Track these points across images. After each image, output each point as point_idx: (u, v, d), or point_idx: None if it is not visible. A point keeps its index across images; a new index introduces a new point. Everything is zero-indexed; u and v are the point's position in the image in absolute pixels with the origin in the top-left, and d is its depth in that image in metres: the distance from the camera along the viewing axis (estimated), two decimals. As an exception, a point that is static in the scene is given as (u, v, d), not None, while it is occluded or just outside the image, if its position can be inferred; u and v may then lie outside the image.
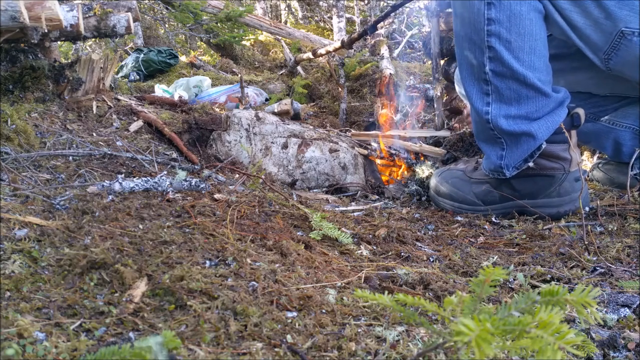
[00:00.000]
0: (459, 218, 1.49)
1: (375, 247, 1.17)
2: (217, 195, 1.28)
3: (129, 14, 2.00)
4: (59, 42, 2.65)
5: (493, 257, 1.14)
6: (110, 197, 1.15)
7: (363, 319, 0.77)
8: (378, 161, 2.05)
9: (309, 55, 3.75)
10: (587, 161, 1.96)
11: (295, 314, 0.76)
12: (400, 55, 4.93)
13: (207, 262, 0.90)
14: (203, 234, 1.01)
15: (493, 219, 1.46)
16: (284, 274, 0.89)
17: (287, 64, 4.28)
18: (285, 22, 8.40)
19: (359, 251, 1.13)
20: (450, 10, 2.72)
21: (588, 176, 1.80)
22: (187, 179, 1.32)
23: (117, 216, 1.03)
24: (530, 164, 1.40)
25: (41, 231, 0.91)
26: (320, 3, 8.63)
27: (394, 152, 2.04)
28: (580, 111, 1.41)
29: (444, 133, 2.10)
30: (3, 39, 1.54)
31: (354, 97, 3.41)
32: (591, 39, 1.29)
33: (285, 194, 1.45)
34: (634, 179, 1.57)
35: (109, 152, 1.51)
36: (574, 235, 1.26)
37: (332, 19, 6.53)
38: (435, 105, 2.37)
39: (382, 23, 4.42)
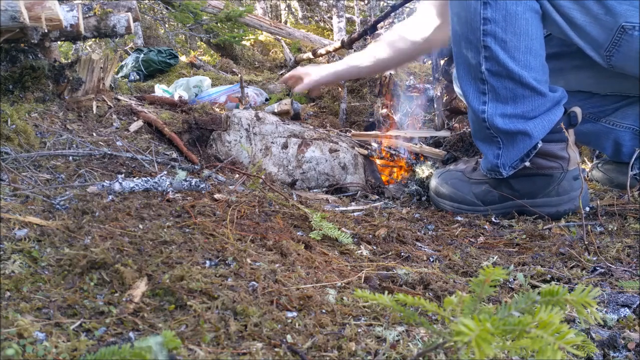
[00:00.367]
0: (459, 218, 1.49)
1: (375, 247, 1.17)
2: (217, 195, 1.28)
3: (129, 14, 2.00)
4: (59, 42, 2.65)
5: (493, 257, 1.14)
6: (110, 197, 1.15)
7: (363, 319, 0.77)
8: (378, 161, 2.06)
9: (309, 55, 3.75)
10: (587, 160, 1.96)
11: (295, 314, 0.76)
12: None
13: (207, 262, 0.90)
14: (203, 234, 1.01)
15: (493, 219, 1.46)
16: (284, 274, 0.89)
17: (287, 64, 4.28)
18: (285, 22, 8.40)
19: (359, 251, 1.13)
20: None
21: (587, 176, 1.80)
22: (187, 179, 1.32)
23: (117, 216, 1.03)
24: (527, 164, 1.40)
25: (41, 231, 0.91)
26: (320, 3, 8.63)
27: (394, 152, 2.04)
28: (577, 110, 1.41)
29: (444, 133, 2.10)
30: (3, 39, 1.54)
31: (354, 97, 3.41)
32: (592, 36, 1.29)
33: (285, 194, 1.45)
34: (633, 179, 1.57)
35: (109, 152, 1.51)
36: (574, 235, 1.26)
37: (332, 19, 6.53)
38: (435, 105, 2.37)
39: (382, 23, 4.41)
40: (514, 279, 0.99)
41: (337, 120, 3.05)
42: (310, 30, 6.84)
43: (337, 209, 1.49)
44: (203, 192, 1.30)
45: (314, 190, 1.82)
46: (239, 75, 3.92)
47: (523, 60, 1.31)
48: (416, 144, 2.05)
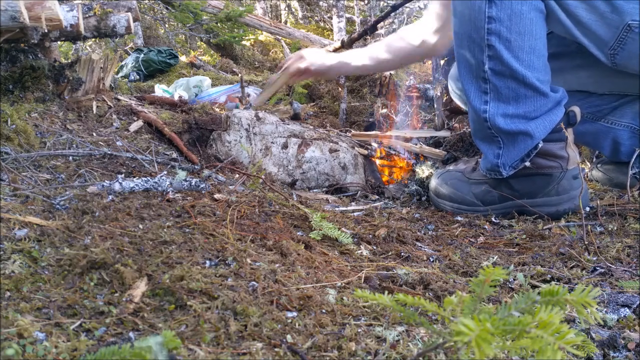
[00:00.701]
0: (459, 218, 1.49)
1: (375, 247, 1.17)
2: (217, 195, 1.28)
3: (129, 14, 2.00)
4: (59, 42, 2.65)
5: (493, 257, 1.14)
6: (110, 197, 1.15)
7: (363, 319, 0.77)
8: (378, 161, 2.06)
9: (309, 55, 3.74)
10: (587, 160, 1.95)
11: (295, 314, 0.76)
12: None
13: (207, 262, 0.90)
14: (203, 234, 1.01)
15: (493, 219, 1.46)
16: (284, 274, 0.89)
17: (287, 64, 4.27)
18: (285, 22, 8.40)
19: (359, 251, 1.13)
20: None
21: (587, 176, 1.80)
22: (187, 179, 1.32)
23: (117, 216, 1.03)
24: (527, 164, 1.40)
25: (41, 231, 0.91)
26: (320, 3, 8.63)
27: (394, 152, 2.04)
28: (576, 109, 1.41)
29: (444, 133, 2.10)
30: (3, 39, 1.54)
31: (354, 97, 3.41)
32: (597, 34, 1.29)
33: (285, 194, 1.45)
34: (633, 178, 1.56)
35: (109, 152, 1.51)
36: (574, 235, 1.26)
37: (332, 19, 6.53)
38: (435, 105, 2.37)
39: (382, 23, 4.41)
40: (514, 279, 0.99)
41: (337, 120, 3.05)
42: (310, 30, 6.84)
43: (337, 209, 1.49)
44: (203, 192, 1.30)
45: (314, 190, 1.82)
46: (239, 75, 3.92)
47: (527, 60, 1.31)
48: (416, 144, 2.05)
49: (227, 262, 0.91)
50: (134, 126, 1.77)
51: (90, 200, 1.10)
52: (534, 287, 0.97)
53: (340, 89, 3.35)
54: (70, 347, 0.62)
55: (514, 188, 1.46)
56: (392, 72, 3.37)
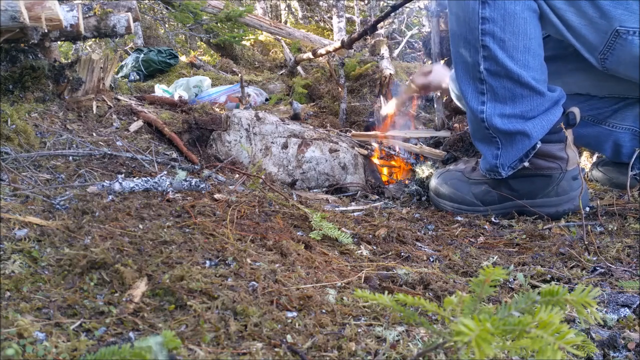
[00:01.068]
0: (459, 218, 1.49)
1: (375, 247, 1.17)
2: (217, 195, 1.28)
3: (129, 14, 2.00)
4: (59, 42, 2.65)
5: (493, 257, 1.14)
6: (110, 197, 1.15)
7: (363, 319, 0.77)
8: (378, 161, 2.05)
9: (309, 55, 3.74)
10: (586, 161, 1.95)
11: (295, 314, 0.76)
12: (400, 55, 4.93)
13: (207, 262, 0.90)
14: (203, 234, 1.01)
15: (493, 219, 1.46)
16: (284, 274, 0.89)
17: (287, 64, 4.28)
18: (285, 22, 8.40)
19: (359, 251, 1.13)
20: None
21: (587, 176, 1.80)
22: (187, 179, 1.32)
23: (117, 216, 1.03)
24: (526, 164, 1.40)
25: (41, 231, 0.91)
26: (320, 3, 8.63)
27: (394, 152, 2.04)
28: (576, 110, 1.41)
29: (444, 133, 2.10)
30: (3, 39, 1.54)
31: (354, 97, 3.41)
32: (587, 39, 1.29)
33: (285, 194, 1.45)
34: (633, 179, 1.56)
35: (109, 152, 1.51)
36: (574, 235, 1.26)
37: (332, 19, 6.53)
38: (435, 106, 2.37)
39: (382, 23, 4.41)
40: (514, 279, 0.99)
41: (337, 120, 3.05)
42: (310, 30, 6.84)
43: (337, 209, 1.49)
44: (203, 192, 1.30)
45: (314, 190, 1.82)
46: (239, 75, 3.92)
47: (522, 59, 1.31)
48: (416, 144, 2.05)
49: (227, 262, 0.91)
50: (134, 126, 1.77)
51: (90, 200, 1.10)
52: (534, 287, 0.97)
53: (340, 89, 3.35)
54: (70, 347, 0.62)
55: (514, 188, 1.46)
56: (392, 72, 3.37)
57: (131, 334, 0.67)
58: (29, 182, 1.19)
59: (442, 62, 2.65)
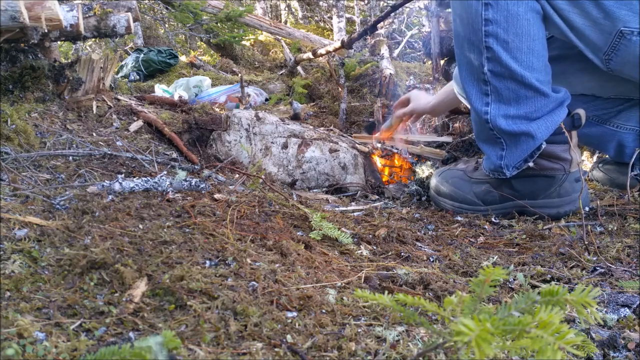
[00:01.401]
0: (459, 218, 1.49)
1: (375, 247, 1.17)
2: (217, 195, 1.28)
3: (129, 14, 2.00)
4: (59, 42, 2.65)
5: (493, 257, 1.14)
6: (110, 197, 1.15)
7: (363, 319, 0.77)
8: (378, 162, 2.06)
9: (309, 55, 3.75)
10: (587, 161, 1.96)
11: (295, 314, 0.76)
12: (400, 55, 4.93)
13: (207, 262, 0.90)
14: (203, 234, 1.01)
15: (493, 219, 1.46)
16: (284, 274, 0.89)
17: (287, 64, 4.28)
18: (285, 22, 8.40)
19: (359, 251, 1.13)
20: (450, 10, 2.72)
21: (588, 176, 1.80)
22: (187, 179, 1.32)
23: (117, 216, 1.03)
24: (531, 164, 1.41)
25: (41, 231, 0.91)
26: (320, 3, 8.63)
27: (396, 151, 2.04)
28: (581, 112, 1.42)
29: (446, 139, 2.10)
30: (3, 39, 1.54)
31: (354, 97, 3.41)
32: (591, 40, 1.29)
33: (285, 194, 1.45)
34: (634, 179, 1.56)
35: (109, 152, 1.51)
36: (574, 235, 1.26)
37: (332, 19, 6.53)
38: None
39: (382, 23, 4.41)
40: (514, 279, 0.99)
41: (337, 120, 3.05)
42: (310, 30, 6.84)
43: (337, 209, 1.49)
44: (203, 192, 1.30)
45: (314, 190, 1.82)
46: (239, 75, 3.92)
47: (525, 60, 1.31)
48: (416, 145, 2.05)
49: (227, 262, 0.91)
50: (134, 126, 1.77)
51: (90, 200, 1.10)
52: (534, 287, 0.97)
53: (340, 89, 3.35)
54: (70, 347, 0.62)
55: (516, 188, 1.46)
56: (392, 72, 3.37)
57: (131, 334, 0.67)
58: (29, 182, 1.19)
59: (442, 62, 2.65)
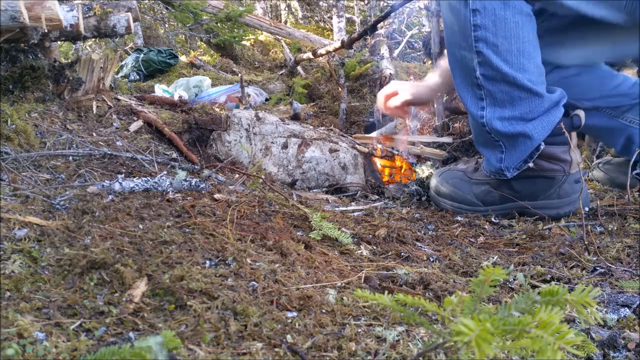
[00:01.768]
0: (459, 218, 1.49)
1: (375, 247, 1.17)
2: (217, 195, 1.28)
3: (129, 14, 2.00)
4: (59, 42, 2.65)
5: (493, 257, 1.14)
6: (110, 197, 1.15)
7: (363, 319, 0.77)
8: (378, 163, 2.06)
9: (309, 55, 3.75)
10: (587, 161, 1.95)
11: (295, 314, 0.76)
12: (400, 55, 4.93)
13: (207, 262, 0.90)
14: (203, 234, 1.01)
15: (493, 219, 1.46)
16: (284, 274, 0.89)
17: (287, 64, 4.28)
18: (285, 22, 8.40)
19: (359, 251, 1.13)
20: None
21: (588, 176, 1.80)
22: (187, 179, 1.32)
23: (117, 216, 1.03)
24: (531, 165, 1.41)
25: (41, 231, 0.91)
26: (320, 3, 8.63)
27: (397, 152, 2.04)
28: (581, 113, 1.42)
29: (446, 139, 2.10)
30: (3, 39, 1.54)
31: (354, 97, 3.41)
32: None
33: (285, 194, 1.45)
34: (634, 178, 1.56)
35: (109, 152, 1.51)
36: (574, 235, 1.26)
37: (332, 19, 6.53)
38: (435, 105, 2.37)
39: (382, 23, 4.41)
40: (514, 279, 0.99)
41: (337, 120, 3.05)
42: (310, 30, 6.84)
43: (337, 209, 1.49)
44: (203, 192, 1.30)
45: (314, 190, 1.82)
46: (239, 75, 3.92)
47: (516, 62, 1.33)
48: (417, 146, 2.05)
49: (227, 262, 0.91)
50: (134, 126, 1.77)
51: (90, 200, 1.10)
52: (534, 287, 0.97)
53: (340, 89, 3.35)
54: (70, 347, 0.62)
55: (516, 189, 1.46)
56: (392, 72, 3.37)
57: (131, 334, 0.67)
58: (29, 182, 1.19)
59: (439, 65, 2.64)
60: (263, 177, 1.52)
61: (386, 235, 1.24)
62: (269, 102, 3.33)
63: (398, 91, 1.79)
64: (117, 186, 1.20)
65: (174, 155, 1.69)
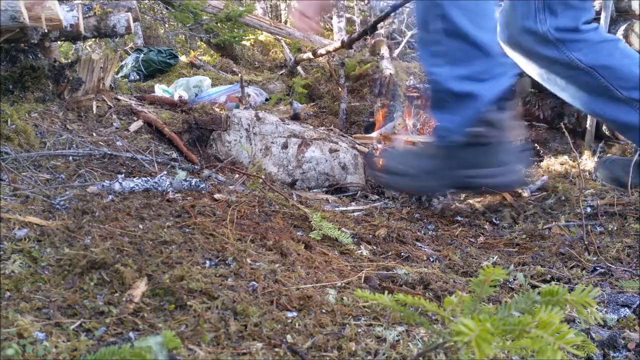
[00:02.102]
0: (459, 218, 1.49)
1: (375, 247, 1.17)
2: (217, 195, 1.28)
3: (129, 14, 2.00)
4: (59, 42, 2.65)
5: (493, 257, 1.14)
6: (110, 197, 1.15)
7: (363, 319, 0.77)
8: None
9: (309, 55, 3.74)
10: (589, 160, 1.95)
11: (295, 314, 0.76)
12: (400, 55, 4.93)
13: (207, 262, 0.90)
14: (203, 234, 1.01)
15: (493, 220, 1.46)
16: (284, 274, 0.89)
17: (287, 64, 4.28)
18: (285, 22, 8.39)
19: (359, 251, 1.13)
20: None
21: (591, 175, 1.79)
22: (187, 179, 1.32)
23: (117, 216, 1.03)
24: (477, 129, 1.39)
25: (41, 231, 0.91)
26: (320, 3, 8.61)
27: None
28: (526, 81, 1.42)
29: None
30: (3, 39, 1.54)
31: (354, 97, 3.41)
32: None
33: (285, 194, 1.45)
34: (637, 178, 1.55)
35: (109, 152, 1.51)
36: (574, 235, 1.26)
37: (332, 19, 6.53)
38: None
39: (382, 23, 4.41)
40: (514, 279, 0.99)
41: (337, 120, 3.05)
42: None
43: (337, 209, 1.49)
44: (203, 192, 1.30)
45: (314, 190, 1.82)
46: (239, 75, 3.92)
47: (476, 20, 1.33)
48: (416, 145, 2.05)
49: (227, 262, 0.91)
50: (134, 126, 1.77)
51: (90, 200, 1.10)
52: (534, 287, 0.97)
53: (340, 89, 3.35)
54: (70, 347, 0.62)
55: (460, 158, 1.43)
56: (392, 72, 3.37)
57: (131, 334, 0.67)
58: (29, 182, 1.19)
59: None
60: (263, 177, 1.52)
61: (386, 235, 1.24)
62: (269, 102, 3.33)
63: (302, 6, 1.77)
64: (117, 186, 1.20)
65: (174, 155, 1.69)
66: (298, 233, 1.17)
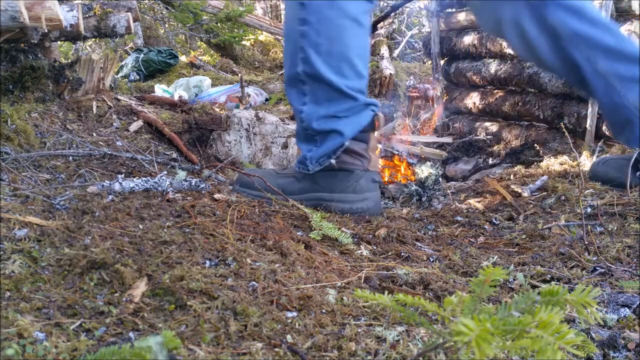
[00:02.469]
0: (459, 218, 1.49)
1: (375, 247, 1.17)
2: (217, 195, 1.28)
3: (129, 14, 2.00)
4: (59, 42, 2.65)
5: (493, 257, 1.14)
6: (110, 197, 1.15)
7: (363, 319, 0.77)
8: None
9: (309, 55, 3.74)
10: (587, 160, 1.95)
11: (295, 314, 0.76)
12: (400, 55, 4.93)
13: (207, 262, 0.90)
14: (203, 234, 1.01)
15: (493, 220, 1.46)
16: (284, 274, 0.89)
17: (287, 64, 4.27)
18: (285, 22, 8.39)
19: (359, 251, 1.13)
20: (450, 10, 2.72)
21: (588, 175, 1.79)
22: (187, 179, 1.32)
23: (117, 216, 1.03)
24: (333, 161, 1.40)
25: (41, 231, 0.91)
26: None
27: (397, 152, 2.05)
28: (381, 116, 1.43)
29: (446, 139, 2.10)
30: (3, 39, 1.54)
31: (354, 97, 3.40)
32: None
33: (285, 194, 1.45)
34: (635, 178, 1.56)
35: (109, 152, 1.51)
36: (574, 235, 1.26)
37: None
38: (435, 105, 2.37)
39: (382, 23, 4.41)
40: (514, 279, 0.99)
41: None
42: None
43: (337, 209, 1.49)
44: (203, 192, 1.30)
45: (314, 190, 1.82)
46: (239, 75, 3.92)
47: (335, 66, 1.30)
48: (417, 147, 2.06)
49: (227, 262, 0.91)
50: (134, 126, 1.77)
51: (90, 200, 1.10)
52: (534, 287, 0.97)
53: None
54: (70, 347, 0.62)
55: (317, 181, 1.44)
56: (392, 72, 3.37)
57: (131, 334, 0.67)
58: (29, 182, 1.19)
59: (442, 62, 2.65)
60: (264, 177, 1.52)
61: (386, 235, 1.24)
62: (269, 102, 3.33)
63: None
64: (117, 186, 1.20)
65: (174, 155, 1.70)
66: (298, 233, 1.17)
